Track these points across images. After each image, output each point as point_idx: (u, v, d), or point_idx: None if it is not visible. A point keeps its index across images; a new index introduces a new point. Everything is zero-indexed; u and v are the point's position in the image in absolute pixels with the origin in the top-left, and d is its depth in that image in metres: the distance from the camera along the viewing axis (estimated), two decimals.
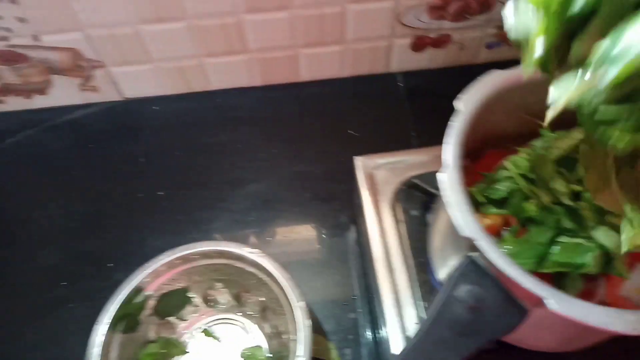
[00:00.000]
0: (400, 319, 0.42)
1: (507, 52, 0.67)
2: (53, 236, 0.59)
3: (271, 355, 0.50)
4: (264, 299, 0.51)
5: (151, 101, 0.68)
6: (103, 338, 0.44)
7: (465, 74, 0.67)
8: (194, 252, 0.48)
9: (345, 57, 0.65)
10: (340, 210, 0.59)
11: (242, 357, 0.51)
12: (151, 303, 0.49)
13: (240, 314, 0.53)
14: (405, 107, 0.66)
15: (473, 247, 0.30)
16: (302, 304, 0.45)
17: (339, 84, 0.69)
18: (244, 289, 0.52)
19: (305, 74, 0.67)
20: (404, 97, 0.67)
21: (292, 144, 0.64)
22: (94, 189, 0.62)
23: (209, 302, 0.53)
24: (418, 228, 0.45)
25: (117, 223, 0.60)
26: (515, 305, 0.29)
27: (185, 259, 0.49)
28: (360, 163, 0.50)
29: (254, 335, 0.52)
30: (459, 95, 0.35)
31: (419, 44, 0.64)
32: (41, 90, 0.65)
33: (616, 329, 0.26)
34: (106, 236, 0.59)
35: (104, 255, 0.58)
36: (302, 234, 0.58)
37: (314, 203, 0.60)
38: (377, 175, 0.49)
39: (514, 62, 0.68)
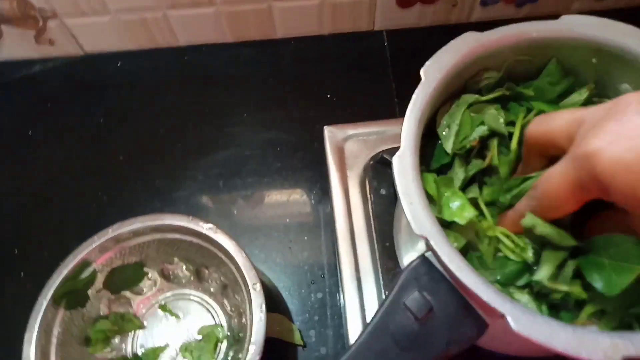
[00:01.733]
0: (361, 306, 0.39)
1: (504, 10, 0.61)
2: (4, 200, 0.56)
3: (229, 334, 0.48)
4: (222, 277, 0.47)
5: (114, 57, 0.63)
6: (41, 315, 0.41)
7: (457, 34, 0.62)
8: (144, 226, 0.44)
9: (325, 12, 0.59)
10: (314, 182, 0.55)
11: (199, 334, 0.48)
12: (101, 278, 0.46)
13: (201, 290, 0.50)
14: (389, 70, 0.61)
15: (427, 243, 0.26)
16: (258, 286, 0.41)
17: (318, 42, 0.63)
18: (204, 265, 0.48)
19: (281, 31, 0.61)
20: (388, 59, 0.62)
21: (265, 108, 0.59)
22: (50, 152, 0.58)
23: (168, 277, 0.50)
24: (386, 209, 0.40)
25: (74, 189, 0.56)
26: (472, 317, 0.25)
27: (135, 233, 0.45)
28: (330, 133, 0.45)
29: (214, 313, 0.49)
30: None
31: (406, 0, 0.58)
32: None
33: (586, 356, 0.22)
34: (61, 203, 0.55)
35: (58, 223, 0.54)
36: (272, 207, 0.54)
37: (286, 173, 0.56)
38: (347, 147, 0.45)
39: (510, 23, 0.62)
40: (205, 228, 0.43)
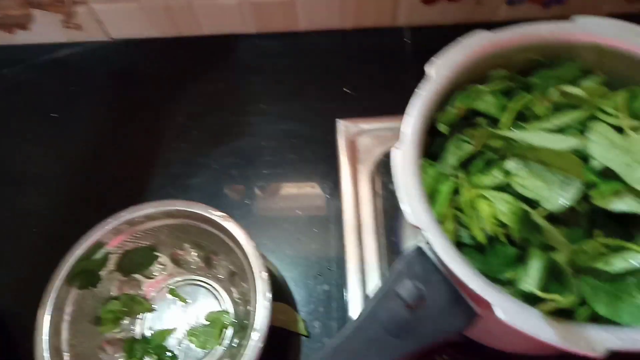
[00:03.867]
0: (365, 299, 0.39)
1: (531, 10, 0.60)
2: (32, 180, 0.58)
3: (236, 321, 0.48)
4: (231, 264, 0.48)
5: (138, 44, 0.64)
6: (55, 294, 0.42)
7: None
8: (157, 211, 0.45)
9: (348, 6, 0.59)
10: (326, 175, 0.55)
11: (206, 319, 0.49)
12: (114, 259, 0.47)
13: (210, 276, 0.51)
14: (409, 67, 0.60)
15: (421, 234, 0.25)
16: (265, 274, 0.42)
17: (340, 36, 0.63)
18: (213, 252, 0.49)
19: (304, 23, 0.62)
20: (409, 55, 0.61)
21: (283, 99, 0.60)
22: (77, 133, 0.60)
23: (178, 262, 0.51)
24: (394, 204, 0.40)
25: (93, 171, 0.57)
26: (463, 307, 0.25)
27: (148, 217, 0.46)
28: (343, 127, 0.45)
29: (222, 300, 0.50)
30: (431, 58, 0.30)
31: None
32: (22, 25, 0.61)
33: (572, 347, 0.21)
34: (79, 184, 0.57)
35: (76, 204, 0.56)
36: (283, 198, 0.55)
37: (299, 165, 0.56)
38: (360, 142, 0.45)
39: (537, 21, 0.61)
40: (216, 216, 0.44)
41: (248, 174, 0.56)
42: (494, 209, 0.26)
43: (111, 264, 0.47)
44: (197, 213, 0.45)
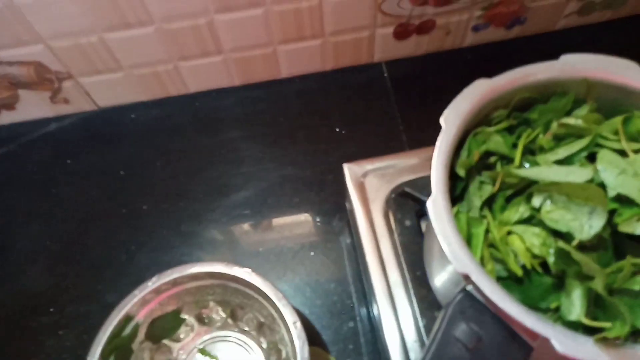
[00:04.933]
0: (401, 336, 0.41)
1: (495, 34, 0.64)
2: (37, 258, 0.57)
3: None
4: (258, 315, 0.49)
5: (127, 109, 0.65)
6: None
7: (452, 59, 0.65)
8: (182, 275, 0.46)
9: (326, 51, 0.62)
10: (332, 214, 0.57)
11: None
12: (143, 329, 0.48)
13: (237, 330, 0.52)
14: (391, 99, 0.64)
15: (469, 279, 0.28)
16: (299, 324, 0.43)
17: (322, 78, 0.66)
18: (239, 306, 0.50)
19: (286, 71, 0.64)
20: (390, 88, 0.64)
21: (278, 145, 0.62)
22: (76, 206, 0.60)
23: (203, 320, 0.52)
24: (413, 239, 0.43)
25: (103, 241, 0.57)
26: (518, 342, 0.27)
27: (173, 283, 0.47)
28: (349, 170, 0.47)
29: (252, 352, 0.51)
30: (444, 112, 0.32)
31: (402, 32, 0.61)
32: (9, 106, 0.61)
33: None
34: (93, 256, 0.57)
35: (91, 276, 0.56)
36: (295, 242, 0.56)
37: (305, 208, 0.58)
38: (367, 183, 0.47)
39: (501, 44, 0.66)
40: (241, 272, 0.45)
41: (257, 222, 0.58)
42: (526, 243, 0.29)
43: (141, 334, 0.48)
44: (221, 273, 0.46)
